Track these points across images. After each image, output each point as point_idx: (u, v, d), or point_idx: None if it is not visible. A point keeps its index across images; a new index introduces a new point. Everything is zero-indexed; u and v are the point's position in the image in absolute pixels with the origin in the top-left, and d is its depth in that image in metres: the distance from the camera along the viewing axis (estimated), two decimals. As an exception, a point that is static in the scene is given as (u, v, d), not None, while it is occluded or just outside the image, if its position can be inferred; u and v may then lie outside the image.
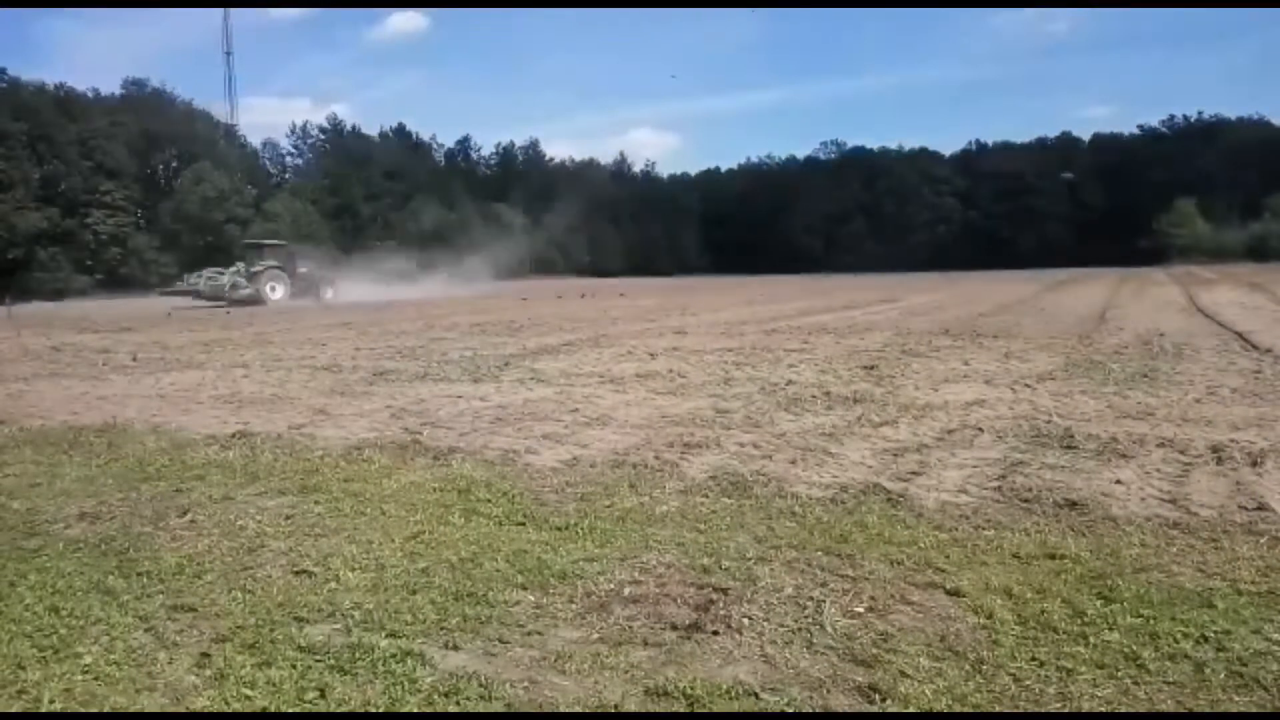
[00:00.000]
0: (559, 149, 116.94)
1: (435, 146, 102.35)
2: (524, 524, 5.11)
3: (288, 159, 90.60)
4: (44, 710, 3.09)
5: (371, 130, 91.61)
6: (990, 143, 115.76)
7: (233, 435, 7.96)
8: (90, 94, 71.48)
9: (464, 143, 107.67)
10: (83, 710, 3.09)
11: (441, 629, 3.68)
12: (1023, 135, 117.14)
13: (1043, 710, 2.96)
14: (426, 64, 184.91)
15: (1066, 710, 2.96)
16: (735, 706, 3.02)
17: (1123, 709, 2.96)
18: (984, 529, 4.87)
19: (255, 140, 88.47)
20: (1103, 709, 2.96)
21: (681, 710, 3.02)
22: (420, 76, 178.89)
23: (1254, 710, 2.95)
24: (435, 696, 3.12)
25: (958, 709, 2.97)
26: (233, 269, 43.88)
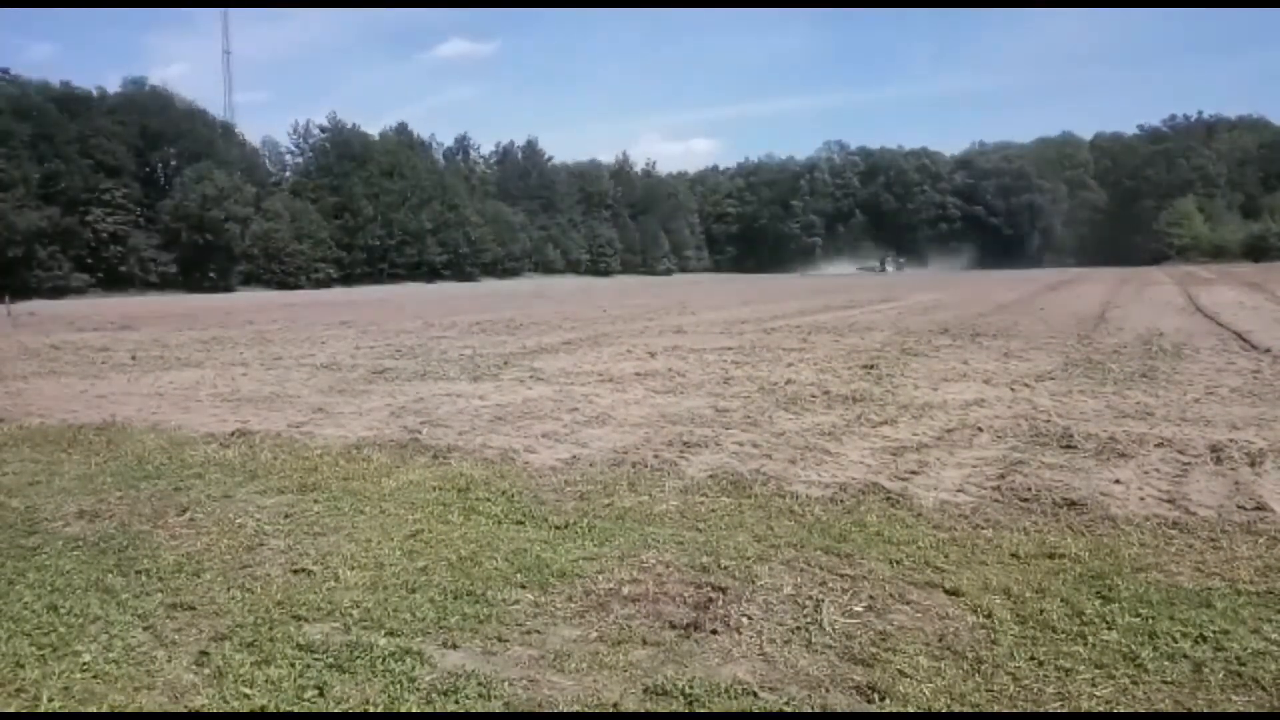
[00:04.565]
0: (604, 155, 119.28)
1: (434, 145, 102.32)
2: (523, 523, 5.11)
3: (287, 157, 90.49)
4: (43, 708, 3.09)
5: (371, 129, 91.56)
6: (992, 143, 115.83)
7: (232, 433, 7.96)
8: (92, 92, 71.43)
9: (463, 141, 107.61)
10: (81, 708, 3.09)
11: (440, 628, 3.68)
12: (1026, 137, 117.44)
13: (1042, 710, 2.96)
14: (487, 80, 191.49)
15: (1066, 710, 2.96)
16: (734, 705, 3.02)
17: (1121, 708, 2.96)
18: (983, 528, 4.87)
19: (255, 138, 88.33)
20: (1101, 709, 2.96)
21: (680, 709, 3.02)
22: (478, 91, 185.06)
23: (1253, 710, 2.95)
24: (434, 695, 3.11)
25: (956, 708, 2.97)
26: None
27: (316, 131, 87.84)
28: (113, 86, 72.95)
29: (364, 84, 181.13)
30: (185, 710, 3.07)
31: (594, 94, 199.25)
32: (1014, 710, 2.96)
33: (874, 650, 3.40)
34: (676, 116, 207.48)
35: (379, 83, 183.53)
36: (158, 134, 72.20)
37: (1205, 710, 2.94)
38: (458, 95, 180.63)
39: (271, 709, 3.06)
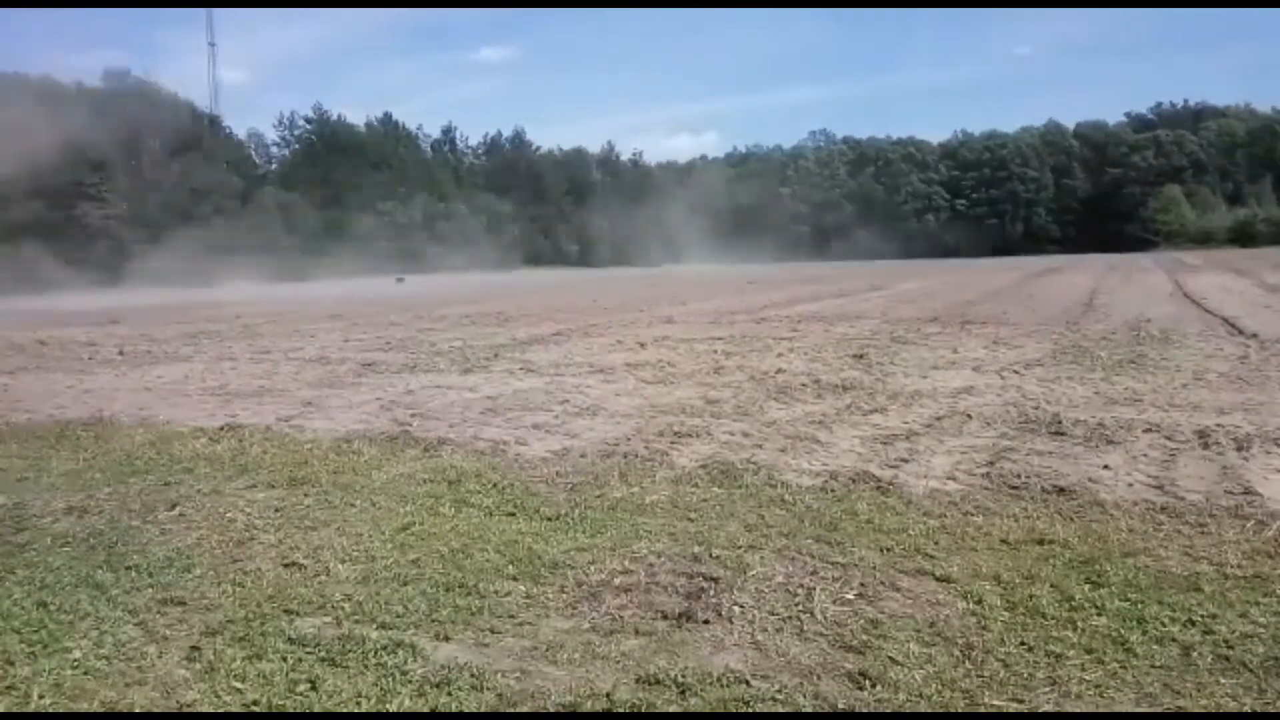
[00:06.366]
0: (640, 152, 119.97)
1: (421, 136, 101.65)
2: (514, 514, 5.10)
3: (274, 149, 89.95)
4: (33, 706, 3.07)
5: (358, 120, 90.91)
6: (978, 132, 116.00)
7: (221, 428, 7.93)
8: (76, 86, 70.89)
9: (449, 132, 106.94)
10: (72, 705, 3.08)
11: (432, 620, 3.68)
12: (1012, 126, 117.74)
13: (1033, 693, 2.98)
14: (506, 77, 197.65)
15: (1057, 697, 2.98)
16: (726, 694, 3.02)
17: (1111, 692, 2.98)
18: (973, 515, 4.89)
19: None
20: (1091, 693, 2.98)
21: (673, 698, 3.02)
22: (495, 88, 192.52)
23: (1248, 710, 2.97)
24: (427, 688, 3.11)
25: (948, 694, 2.99)
26: None
27: (302, 123, 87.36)
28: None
29: (388, 83, 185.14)
30: (177, 705, 3.06)
31: (607, 88, 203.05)
32: (1005, 699, 2.98)
33: (865, 637, 3.42)
34: (686, 109, 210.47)
35: (403, 82, 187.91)
36: (143, 126, 71.62)
37: (1205, 707, 2.96)
38: (475, 91, 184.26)
39: (263, 703, 3.05)
